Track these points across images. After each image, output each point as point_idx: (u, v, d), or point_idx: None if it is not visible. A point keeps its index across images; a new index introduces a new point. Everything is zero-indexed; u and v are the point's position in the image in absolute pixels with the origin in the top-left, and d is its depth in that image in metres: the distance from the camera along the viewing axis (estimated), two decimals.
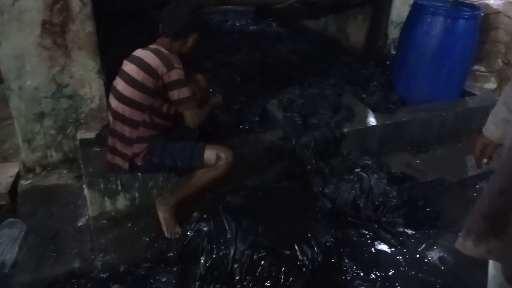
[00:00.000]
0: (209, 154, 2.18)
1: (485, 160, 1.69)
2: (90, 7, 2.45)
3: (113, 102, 2.18)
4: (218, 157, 2.17)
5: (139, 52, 2.18)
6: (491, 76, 3.77)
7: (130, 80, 2.11)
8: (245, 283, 1.86)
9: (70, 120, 2.71)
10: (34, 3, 2.34)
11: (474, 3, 3.57)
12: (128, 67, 2.15)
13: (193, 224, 2.05)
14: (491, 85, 3.70)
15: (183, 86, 2.14)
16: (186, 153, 2.20)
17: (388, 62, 3.89)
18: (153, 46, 2.18)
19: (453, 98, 3.47)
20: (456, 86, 3.48)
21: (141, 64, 2.11)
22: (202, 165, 2.19)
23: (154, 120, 2.21)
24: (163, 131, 2.28)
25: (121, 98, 2.14)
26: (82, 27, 2.47)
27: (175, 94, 2.13)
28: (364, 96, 3.34)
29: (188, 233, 2.04)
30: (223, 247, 1.91)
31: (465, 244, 1.46)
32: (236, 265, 1.88)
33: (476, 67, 3.79)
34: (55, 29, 2.43)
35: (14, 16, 2.33)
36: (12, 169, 2.77)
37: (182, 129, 2.30)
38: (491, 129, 1.63)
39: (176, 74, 2.11)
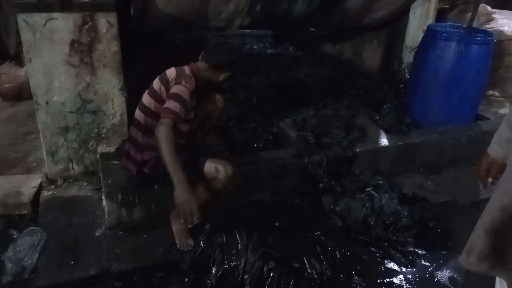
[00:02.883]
0: (209, 167, 2.21)
1: (490, 180, 1.72)
2: (116, 28, 2.60)
3: (136, 112, 2.35)
4: (216, 171, 2.19)
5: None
6: (506, 101, 3.79)
7: (150, 91, 2.29)
8: None
9: (92, 135, 2.83)
10: (65, 23, 2.49)
11: (488, 29, 3.63)
12: (154, 80, 2.32)
13: (205, 235, 2.12)
14: (506, 110, 3.71)
15: (177, 102, 2.13)
16: (188, 165, 2.24)
17: (402, 86, 3.95)
18: (185, 66, 2.31)
19: (467, 122, 3.49)
20: (469, 110, 3.51)
21: (161, 76, 2.29)
22: (204, 178, 2.24)
23: None
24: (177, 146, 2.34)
25: (141, 106, 2.32)
26: (108, 47, 2.62)
27: (167, 103, 2.15)
28: (378, 117, 3.39)
29: (201, 243, 2.11)
30: (234, 258, 1.96)
31: (468, 260, 1.48)
32: (246, 276, 1.92)
33: (490, 92, 3.81)
34: (83, 48, 2.57)
35: (45, 35, 2.48)
36: (35, 180, 2.89)
37: (199, 145, 2.38)
38: (495, 148, 1.66)
39: (177, 89, 2.16)
